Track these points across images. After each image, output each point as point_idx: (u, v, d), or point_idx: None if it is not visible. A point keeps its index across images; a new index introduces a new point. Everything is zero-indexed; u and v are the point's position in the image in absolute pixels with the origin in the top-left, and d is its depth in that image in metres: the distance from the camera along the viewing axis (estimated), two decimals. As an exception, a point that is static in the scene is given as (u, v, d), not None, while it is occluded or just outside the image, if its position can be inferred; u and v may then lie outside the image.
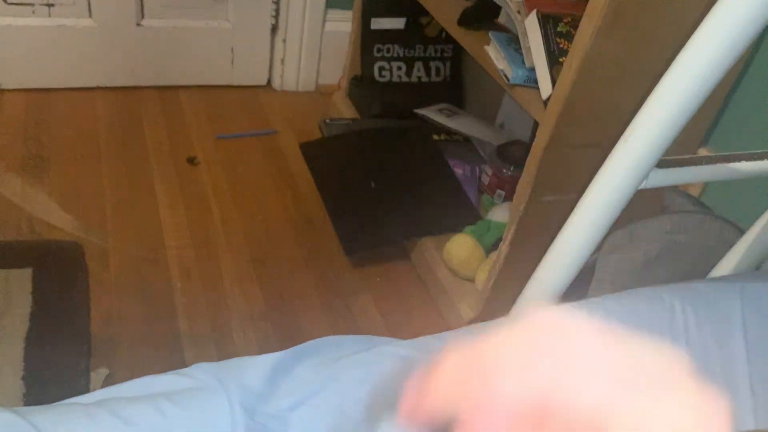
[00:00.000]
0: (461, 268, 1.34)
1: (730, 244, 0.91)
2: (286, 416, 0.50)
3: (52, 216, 1.38)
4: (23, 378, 0.99)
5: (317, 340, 0.59)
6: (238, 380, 0.52)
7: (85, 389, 1.00)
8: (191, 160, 1.63)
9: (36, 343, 1.05)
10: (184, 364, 1.15)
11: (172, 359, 1.11)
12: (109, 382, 1.04)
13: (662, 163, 0.68)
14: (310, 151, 1.58)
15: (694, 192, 1.23)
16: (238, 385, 0.52)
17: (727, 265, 0.89)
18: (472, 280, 1.33)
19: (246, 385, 0.52)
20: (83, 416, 0.47)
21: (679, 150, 0.88)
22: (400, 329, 1.26)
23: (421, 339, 0.60)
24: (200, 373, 0.54)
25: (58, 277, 1.21)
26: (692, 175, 0.71)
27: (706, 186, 1.25)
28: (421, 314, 1.33)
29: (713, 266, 0.91)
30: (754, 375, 0.62)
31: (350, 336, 0.61)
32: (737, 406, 0.60)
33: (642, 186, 0.67)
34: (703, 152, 1.19)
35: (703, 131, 1.18)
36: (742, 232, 0.98)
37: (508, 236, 1.13)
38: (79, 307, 1.15)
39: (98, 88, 1.81)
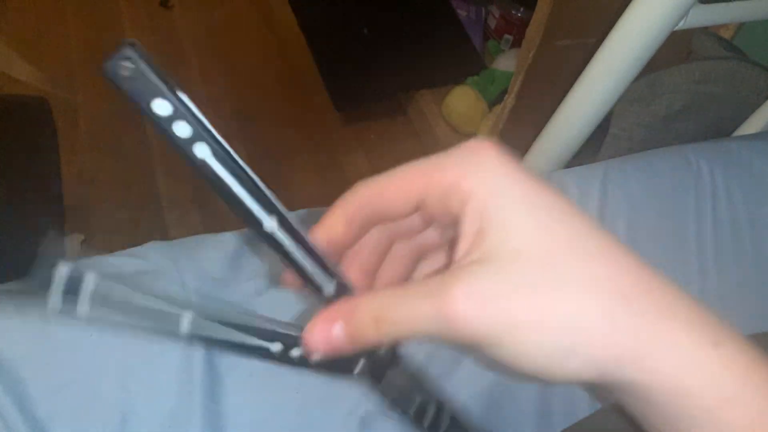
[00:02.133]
0: (462, 123, 1.23)
1: (765, 95, 0.80)
2: (251, 303, 0.43)
3: (13, 68, 1.25)
4: (-7, 245, 0.94)
5: (292, 213, 0.51)
6: (195, 263, 0.45)
7: (61, 256, 0.94)
8: (164, 3, 1.46)
9: (3, 209, 0.98)
10: (165, 229, 1.10)
11: (152, 222, 1.05)
12: (85, 247, 0.98)
13: (706, -3, 0.56)
14: (295, -9, 1.41)
15: (726, 34, 1.10)
16: (194, 268, 0.44)
17: (761, 119, 0.79)
18: (473, 137, 1.24)
19: (204, 269, 0.44)
20: (14, 308, 0.41)
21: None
22: (395, 189, 1.18)
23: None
24: (154, 253, 0.46)
25: (24, 136, 1.11)
26: (741, 12, 0.59)
27: (740, 28, 1.11)
28: (418, 172, 1.25)
29: (745, 121, 0.81)
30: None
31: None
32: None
33: (680, 26, 0.56)
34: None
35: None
36: (780, 81, 0.86)
37: (515, 87, 1.02)
38: (49, 168, 1.07)
39: None
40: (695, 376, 0.22)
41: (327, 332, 0.25)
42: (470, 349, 0.23)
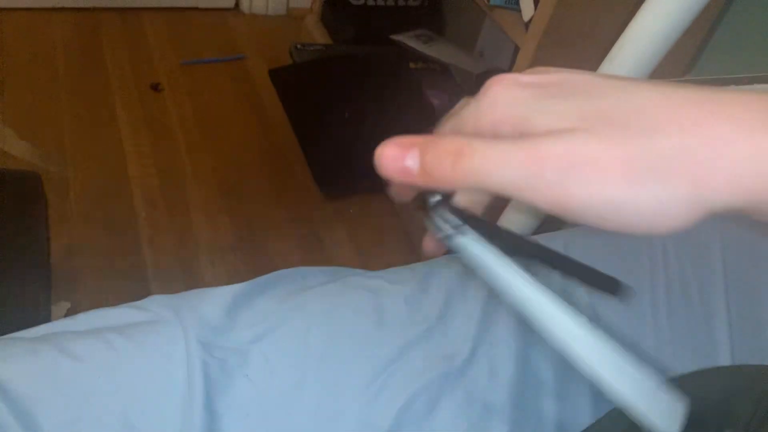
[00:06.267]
0: (436, 201, 1.30)
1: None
2: (247, 349, 0.47)
3: (8, 143, 1.30)
4: (-20, 312, 0.95)
5: (282, 271, 0.56)
6: (195, 313, 0.48)
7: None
8: (155, 87, 1.55)
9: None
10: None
11: (137, 292, 1.06)
12: (71, 315, 1.00)
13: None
14: (280, 77, 1.51)
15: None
16: (195, 317, 0.48)
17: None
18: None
19: (203, 318, 0.48)
20: (27, 352, 0.44)
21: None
22: (374, 263, 1.24)
23: (391, 270, 0.57)
24: (155, 305, 0.50)
25: (15, 207, 1.14)
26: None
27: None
28: (396, 248, 1.30)
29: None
30: (730, 293, 0.60)
31: (317, 267, 0.58)
32: (713, 329, 0.58)
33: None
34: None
35: (689, 58, 1.14)
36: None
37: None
38: (37, 239, 1.09)
39: (55, 9, 1.70)
40: None
41: (400, 159, 0.25)
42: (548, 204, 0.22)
